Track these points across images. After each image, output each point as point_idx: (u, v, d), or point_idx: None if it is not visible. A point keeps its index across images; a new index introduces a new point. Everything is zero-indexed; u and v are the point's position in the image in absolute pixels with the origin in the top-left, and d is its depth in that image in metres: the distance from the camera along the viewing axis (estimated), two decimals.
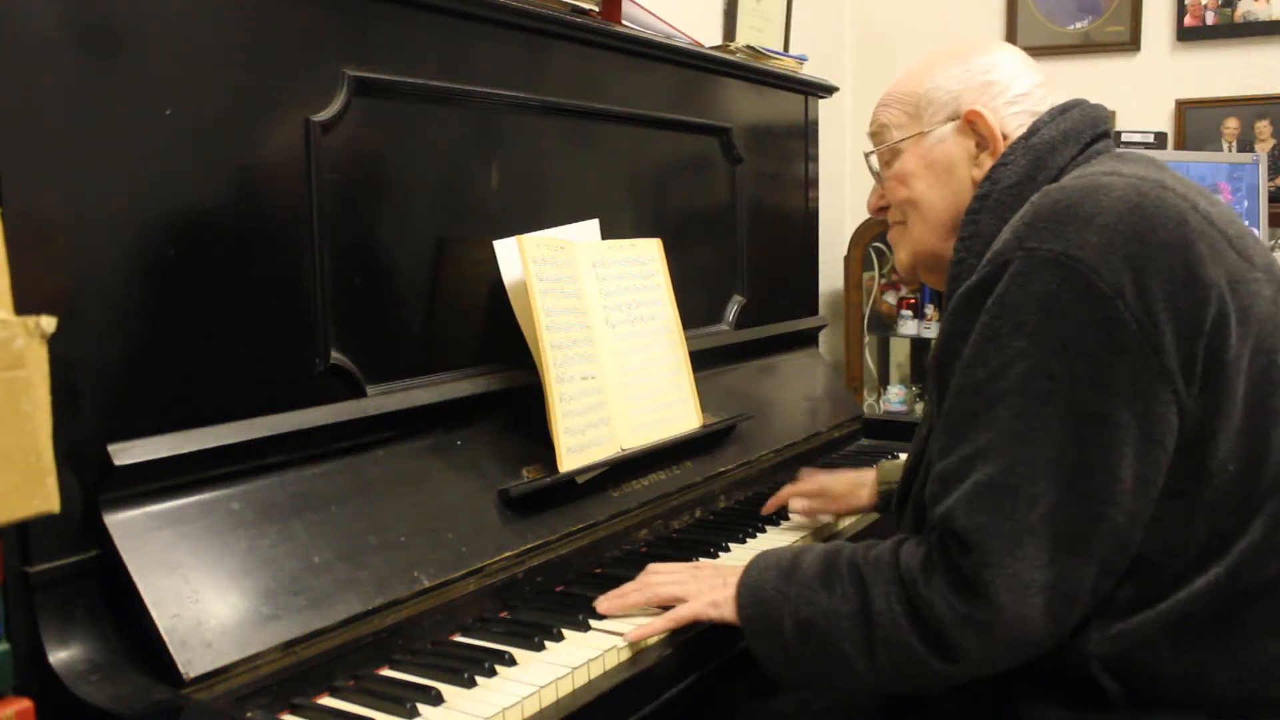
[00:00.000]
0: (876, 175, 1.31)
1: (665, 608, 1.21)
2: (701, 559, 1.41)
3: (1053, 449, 0.97)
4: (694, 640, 1.21)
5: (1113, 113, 3.35)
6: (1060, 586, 0.97)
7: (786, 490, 1.65)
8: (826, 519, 1.64)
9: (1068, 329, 0.97)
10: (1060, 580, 0.97)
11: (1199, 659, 0.99)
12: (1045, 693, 1.04)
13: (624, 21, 1.80)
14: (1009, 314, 0.99)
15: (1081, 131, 1.16)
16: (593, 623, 1.20)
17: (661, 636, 1.19)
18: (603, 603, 1.23)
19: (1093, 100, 1.23)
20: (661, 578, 1.25)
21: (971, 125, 1.20)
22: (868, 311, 3.42)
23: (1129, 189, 1.01)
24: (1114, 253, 0.96)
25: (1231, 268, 1.00)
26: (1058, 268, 0.97)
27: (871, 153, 1.30)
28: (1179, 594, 0.99)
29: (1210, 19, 3.26)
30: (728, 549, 1.47)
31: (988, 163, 1.18)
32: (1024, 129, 1.18)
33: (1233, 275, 1.00)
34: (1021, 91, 1.21)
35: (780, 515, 1.64)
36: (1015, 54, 1.25)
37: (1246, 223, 2.96)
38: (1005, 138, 1.18)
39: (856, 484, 1.63)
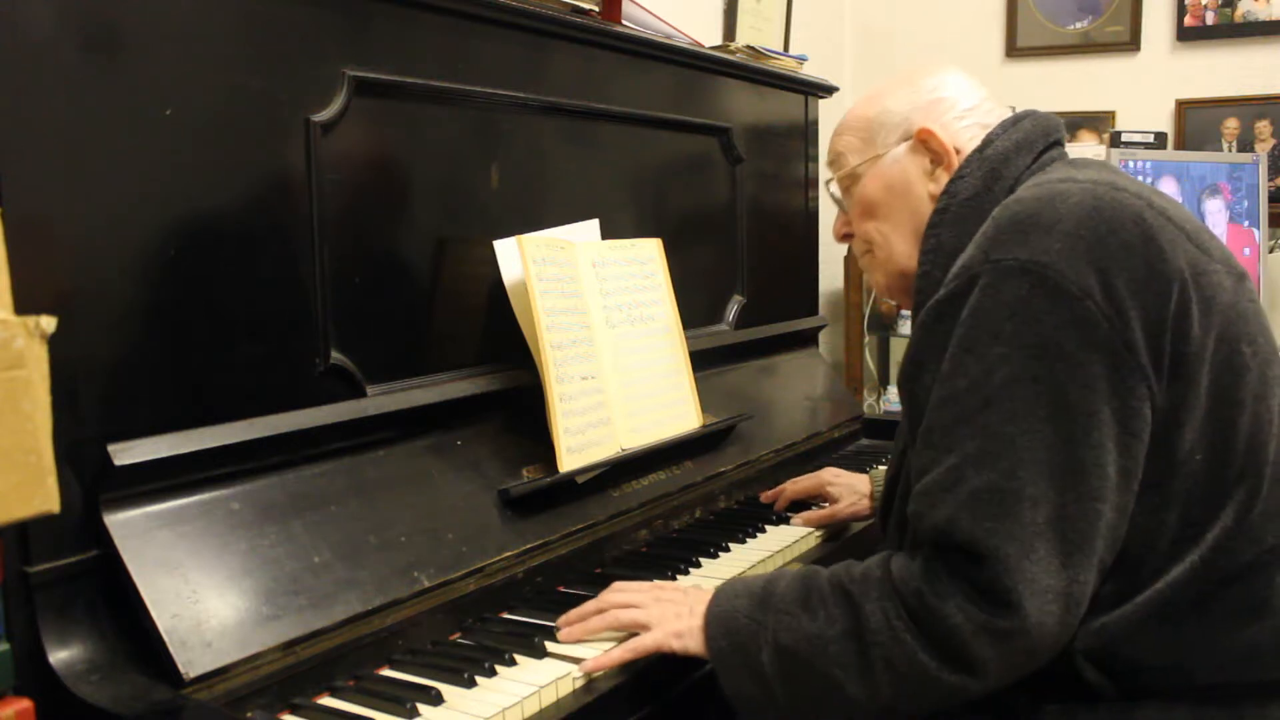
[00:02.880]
0: (839, 202, 1.33)
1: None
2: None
3: (1045, 450, 0.97)
4: None
5: (1112, 113, 3.35)
6: (1073, 591, 0.97)
7: (788, 486, 1.70)
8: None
9: (1044, 331, 0.98)
10: (1072, 585, 0.97)
11: (1180, 647, 1.01)
12: (1035, 688, 1.05)
13: (624, 21, 1.80)
14: (984, 323, 1.01)
15: (1034, 141, 1.18)
16: (549, 646, 1.14)
17: (618, 666, 1.12)
18: (563, 629, 1.16)
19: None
20: (624, 597, 1.18)
21: (924, 143, 1.22)
22: (868, 311, 3.41)
23: (1085, 194, 1.03)
24: (1078, 256, 0.99)
25: (1192, 260, 1.03)
26: (1025, 275, 0.99)
27: (830, 180, 1.32)
28: (1157, 584, 1.00)
29: (1210, 19, 3.26)
30: (728, 549, 1.47)
31: (943, 178, 1.20)
32: (976, 141, 1.20)
33: (1194, 267, 1.02)
34: (970, 105, 1.23)
35: (781, 517, 1.64)
36: (959, 73, 1.28)
37: (1245, 225, 2.96)
38: (958, 151, 1.20)
39: (855, 491, 1.65)
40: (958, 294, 1.04)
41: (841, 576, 1.05)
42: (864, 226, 1.27)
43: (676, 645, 1.12)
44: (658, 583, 1.27)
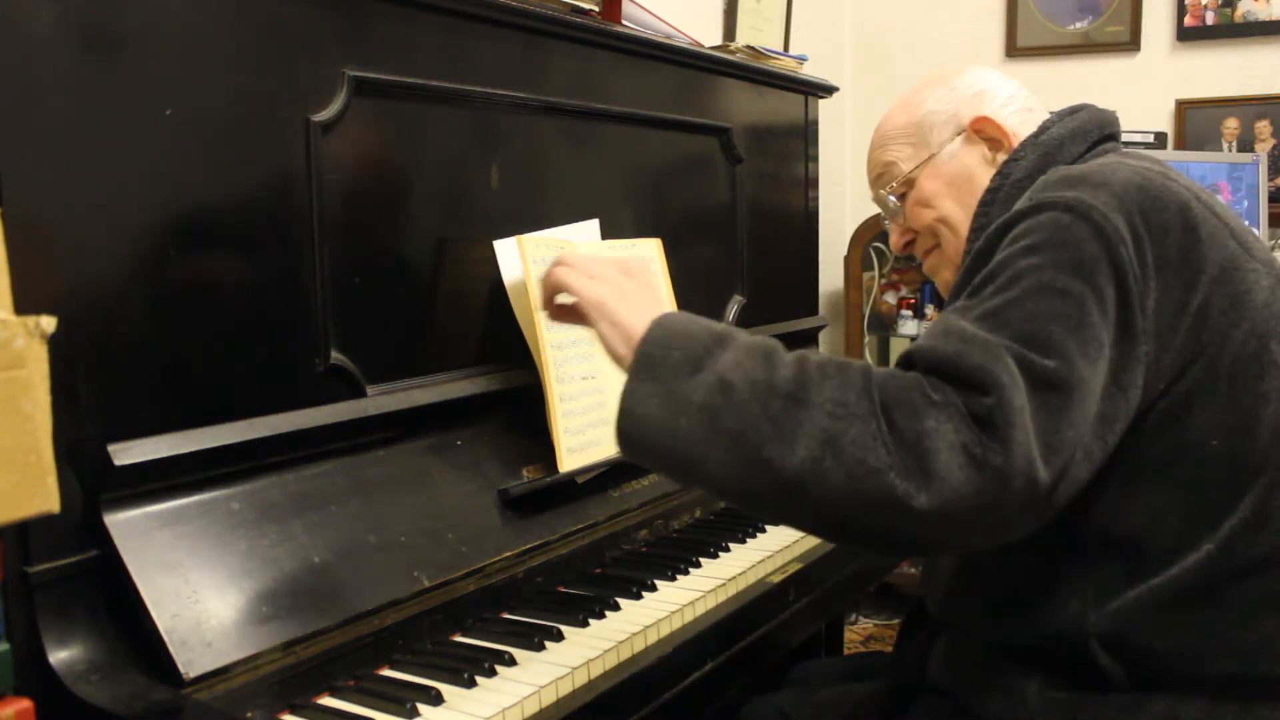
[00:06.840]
0: (893, 214, 1.32)
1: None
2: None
3: (1027, 326, 0.92)
4: (694, 640, 1.21)
5: (1112, 113, 3.34)
6: (1040, 421, 0.87)
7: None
8: None
9: (1082, 254, 0.97)
10: (1039, 413, 0.88)
11: (1194, 636, 1.01)
12: (1047, 674, 1.06)
13: (624, 21, 1.80)
14: (1020, 244, 0.99)
15: (1089, 130, 1.21)
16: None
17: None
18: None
19: (1094, 100, 1.27)
20: (584, 267, 1.06)
21: (979, 132, 1.25)
22: (868, 311, 3.41)
23: (1134, 173, 1.05)
24: (1121, 212, 0.99)
25: (1230, 255, 1.03)
26: (1070, 209, 0.99)
27: (885, 192, 1.31)
28: (1171, 569, 1.00)
29: (1210, 19, 3.26)
30: (728, 549, 1.47)
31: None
32: (1026, 124, 1.23)
33: (1230, 262, 1.02)
34: (1010, 94, 1.28)
35: None
36: (984, 68, 1.31)
37: (1246, 222, 2.96)
38: (1015, 134, 1.23)
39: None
40: (1001, 228, 1.03)
41: (813, 359, 0.92)
42: (928, 224, 1.28)
43: (604, 330, 1.01)
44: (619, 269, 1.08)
